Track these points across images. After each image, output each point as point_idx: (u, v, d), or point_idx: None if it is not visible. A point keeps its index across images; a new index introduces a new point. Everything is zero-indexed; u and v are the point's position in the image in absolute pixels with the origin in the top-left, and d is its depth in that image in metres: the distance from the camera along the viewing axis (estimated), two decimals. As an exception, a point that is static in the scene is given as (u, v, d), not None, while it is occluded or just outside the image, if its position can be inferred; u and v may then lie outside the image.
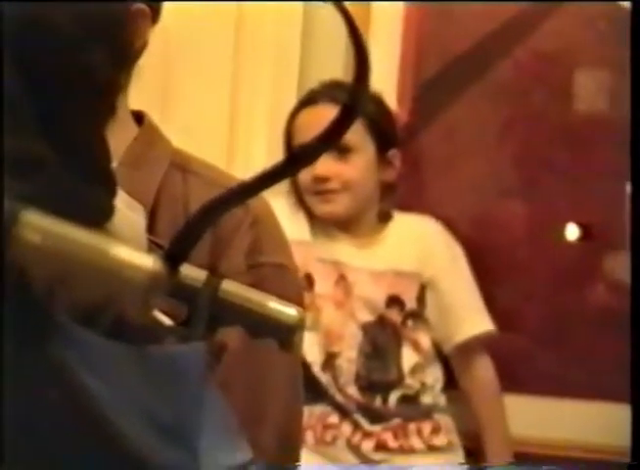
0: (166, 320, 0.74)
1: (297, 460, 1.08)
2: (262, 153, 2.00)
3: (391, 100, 2.03)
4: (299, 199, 1.85)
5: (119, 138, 1.04)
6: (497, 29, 2.02)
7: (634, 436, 1.21)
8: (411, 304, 1.85)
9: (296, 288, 1.09)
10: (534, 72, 2.03)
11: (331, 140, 0.64)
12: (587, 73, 2.03)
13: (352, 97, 0.62)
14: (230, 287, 0.81)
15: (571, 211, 2.03)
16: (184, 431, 0.62)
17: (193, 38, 1.98)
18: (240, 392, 1.00)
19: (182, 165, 1.07)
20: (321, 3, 0.60)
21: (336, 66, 2.02)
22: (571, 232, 2.03)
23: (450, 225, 1.92)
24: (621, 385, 1.96)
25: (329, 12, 1.87)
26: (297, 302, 1.08)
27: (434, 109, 2.04)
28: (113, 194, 0.62)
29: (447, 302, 1.86)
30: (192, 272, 0.76)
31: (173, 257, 0.67)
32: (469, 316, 1.87)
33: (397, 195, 1.91)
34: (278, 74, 2.02)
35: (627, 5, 1.94)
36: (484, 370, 1.91)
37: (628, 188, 1.98)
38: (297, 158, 0.67)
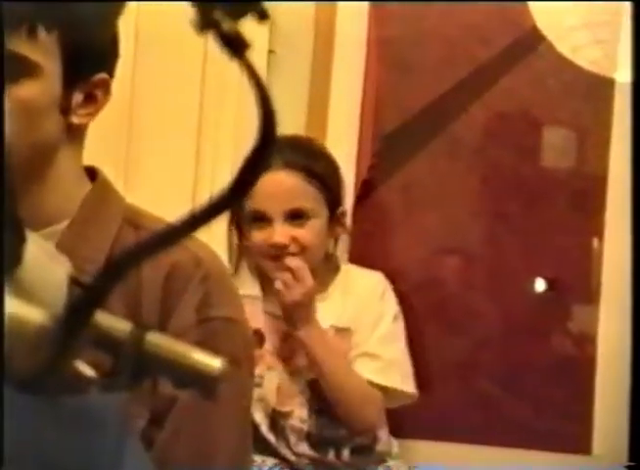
0: (89, 371, 0.76)
1: None
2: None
3: (352, 154, 2.07)
4: (248, 256, 1.85)
5: (72, 194, 1.07)
6: (453, 87, 2.06)
7: (633, 436, 1.20)
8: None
9: (244, 342, 1.10)
10: (489, 129, 2.07)
11: (240, 193, 0.67)
12: (540, 130, 2.08)
13: (259, 147, 0.64)
14: (154, 338, 0.83)
15: (535, 265, 2.06)
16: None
17: (158, 86, 2.00)
18: (188, 442, 1.01)
19: (134, 221, 1.08)
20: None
21: (299, 109, 2.06)
22: (535, 286, 2.06)
23: (407, 278, 1.95)
24: (581, 436, 1.99)
25: (291, 55, 1.92)
26: (246, 355, 1.10)
27: (392, 164, 2.08)
28: (21, 241, 0.61)
29: (361, 350, 1.82)
30: (116, 323, 0.79)
31: (90, 299, 0.68)
32: (382, 368, 1.82)
33: (347, 248, 1.93)
34: (240, 118, 2.01)
35: (577, 62, 2.00)
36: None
37: (594, 243, 2.01)
38: (215, 206, 0.70)
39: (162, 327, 1.01)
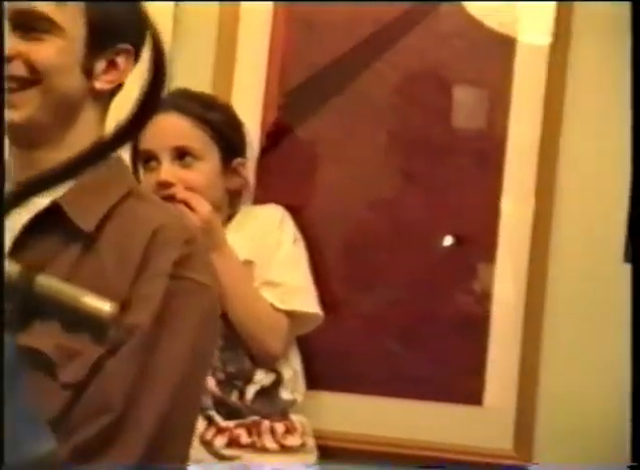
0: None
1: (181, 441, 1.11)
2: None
3: (258, 108, 2.08)
4: None
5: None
6: (359, 44, 2.08)
7: (634, 436, 1.24)
8: None
9: (211, 308, 1.14)
10: (396, 86, 2.09)
11: (130, 134, 0.69)
12: (449, 90, 2.11)
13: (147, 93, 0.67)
14: (44, 280, 0.85)
15: (438, 221, 2.09)
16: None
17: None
18: (130, 371, 1.02)
19: (139, 194, 1.18)
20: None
21: (205, 63, 2.06)
22: (440, 243, 2.10)
23: (310, 233, 1.97)
24: (474, 388, 2.05)
25: (197, 8, 1.91)
26: (212, 320, 1.14)
27: (298, 118, 2.09)
28: None
29: (265, 279, 1.85)
30: (7, 265, 0.79)
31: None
32: (287, 293, 1.86)
33: (249, 201, 1.95)
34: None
35: (486, 23, 2.03)
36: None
37: (502, 203, 2.06)
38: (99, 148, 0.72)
39: (138, 274, 1.05)
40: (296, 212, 1.99)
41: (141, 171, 1.86)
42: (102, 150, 0.66)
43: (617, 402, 2.05)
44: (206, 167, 1.84)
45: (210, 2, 2.08)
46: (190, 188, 1.82)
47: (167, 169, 1.81)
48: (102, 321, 0.81)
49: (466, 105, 2.10)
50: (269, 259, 1.87)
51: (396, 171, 2.10)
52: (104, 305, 0.83)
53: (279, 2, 2.09)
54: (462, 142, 2.09)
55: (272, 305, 1.83)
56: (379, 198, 2.10)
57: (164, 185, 1.82)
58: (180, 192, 1.79)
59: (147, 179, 1.84)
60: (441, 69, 2.09)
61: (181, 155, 1.82)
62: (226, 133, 1.87)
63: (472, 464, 2.05)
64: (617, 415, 2.05)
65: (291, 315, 1.85)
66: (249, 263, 1.86)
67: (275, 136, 2.08)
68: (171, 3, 2.05)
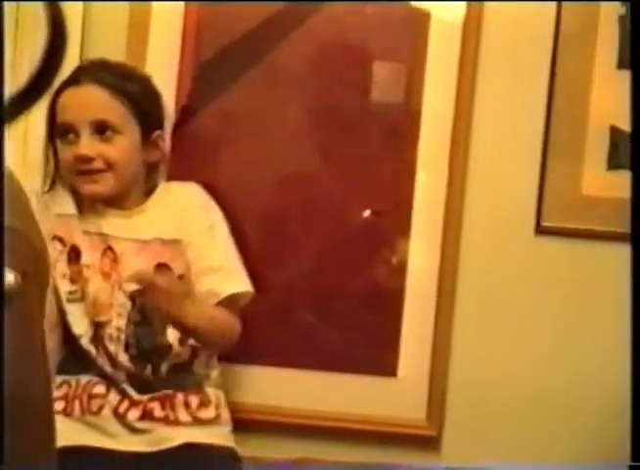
0: None
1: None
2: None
3: (173, 80, 2.06)
4: (62, 177, 1.86)
5: None
6: (274, 15, 2.06)
7: (634, 436, 1.24)
8: (180, 270, 1.87)
9: (32, 255, 1.10)
10: (311, 59, 2.08)
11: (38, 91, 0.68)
12: (366, 63, 2.11)
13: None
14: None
15: (353, 195, 2.10)
16: None
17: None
18: None
19: None
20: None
21: (119, 32, 2.04)
22: (356, 215, 2.11)
23: (223, 206, 1.96)
24: (388, 360, 2.07)
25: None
26: (35, 269, 1.10)
27: (212, 90, 2.08)
28: None
29: (200, 266, 1.86)
30: None
31: None
32: (222, 279, 1.87)
33: (165, 173, 1.94)
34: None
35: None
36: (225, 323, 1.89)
37: (417, 176, 2.07)
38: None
39: None
40: (208, 187, 1.97)
41: (59, 145, 1.84)
42: (18, 104, 0.65)
43: (529, 370, 2.09)
44: (126, 141, 1.82)
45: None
46: (108, 163, 1.81)
47: (87, 144, 1.79)
48: (4, 291, 0.80)
49: (380, 79, 2.10)
50: (203, 242, 1.87)
51: (311, 145, 2.10)
52: (8, 276, 0.81)
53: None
54: (376, 116, 2.09)
55: (218, 293, 1.84)
56: (293, 171, 2.10)
57: (84, 159, 1.80)
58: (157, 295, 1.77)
59: (65, 153, 1.82)
60: (357, 42, 2.09)
61: (101, 128, 1.80)
62: (145, 105, 1.85)
63: (385, 435, 2.07)
64: (527, 383, 2.10)
65: (231, 298, 1.86)
66: (176, 242, 1.85)
67: (188, 109, 2.06)
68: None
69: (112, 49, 2.00)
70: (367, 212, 2.10)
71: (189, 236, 1.87)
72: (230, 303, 1.86)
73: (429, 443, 2.08)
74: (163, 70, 2.03)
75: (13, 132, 1.94)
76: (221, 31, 2.07)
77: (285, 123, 2.08)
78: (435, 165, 2.07)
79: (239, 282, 1.88)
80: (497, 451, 2.07)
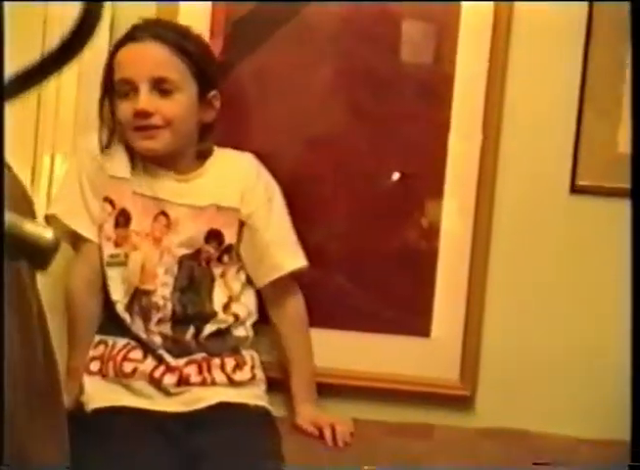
0: None
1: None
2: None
3: (205, 37, 2.04)
4: (119, 134, 1.86)
5: None
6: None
7: (634, 436, 1.24)
8: (230, 239, 1.89)
9: (17, 186, 1.10)
10: (342, 19, 2.07)
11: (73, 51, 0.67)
12: (398, 24, 2.09)
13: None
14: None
15: (386, 156, 2.09)
16: None
17: None
18: None
19: None
20: None
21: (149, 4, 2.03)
22: (388, 177, 2.10)
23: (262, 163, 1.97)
24: (421, 321, 2.07)
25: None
26: (20, 201, 1.09)
27: (242, 50, 2.06)
28: None
29: (263, 239, 1.90)
30: None
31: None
32: (283, 254, 1.92)
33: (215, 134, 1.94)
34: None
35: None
36: (296, 307, 1.97)
37: (449, 140, 2.05)
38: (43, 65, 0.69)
39: None
40: (239, 147, 1.97)
41: (116, 102, 1.83)
42: (54, 59, 0.64)
43: (562, 330, 2.09)
44: (184, 99, 1.82)
45: None
46: (167, 119, 1.80)
47: (146, 99, 1.79)
48: (43, 248, 0.80)
49: (413, 39, 2.08)
50: (264, 215, 1.90)
51: (342, 105, 2.08)
52: (46, 232, 0.81)
53: None
54: (409, 77, 2.07)
55: (276, 266, 1.91)
56: (325, 132, 2.09)
57: (142, 114, 1.79)
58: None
59: (123, 109, 1.81)
60: (389, 2, 2.07)
61: (160, 85, 1.80)
62: (203, 64, 1.85)
63: (419, 395, 2.07)
64: (560, 344, 2.09)
65: (293, 272, 1.94)
66: (232, 210, 1.88)
67: (220, 68, 2.05)
68: None
69: (142, 7, 1.99)
70: (399, 174, 2.08)
71: (249, 207, 1.89)
72: (292, 276, 1.93)
73: (462, 402, 2.08)
74: (195, 27, 2.02)
75: (44, 91, 1.95)
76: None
77: (315, 83, 2.07)
78: (469, 127, 2.05)
79: (299, 257, 1.94)
80: (530, 411, 2.07)
